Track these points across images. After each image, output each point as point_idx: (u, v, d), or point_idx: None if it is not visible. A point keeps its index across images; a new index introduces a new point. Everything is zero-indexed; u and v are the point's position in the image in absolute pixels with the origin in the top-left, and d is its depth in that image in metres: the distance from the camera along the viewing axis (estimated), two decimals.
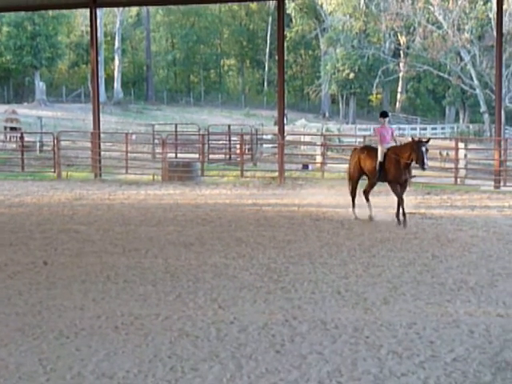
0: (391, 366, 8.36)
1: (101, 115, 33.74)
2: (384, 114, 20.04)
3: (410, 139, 19.27)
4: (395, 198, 18.77)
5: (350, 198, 19.93)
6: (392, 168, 18.66)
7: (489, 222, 18.62)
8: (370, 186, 19.71)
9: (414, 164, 18.68)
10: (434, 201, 23.35)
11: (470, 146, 30.06)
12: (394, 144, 19.20)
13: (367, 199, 19.58)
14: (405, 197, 18.88)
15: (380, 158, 18.89)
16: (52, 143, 33.09)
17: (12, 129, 46.33)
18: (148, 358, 8.63)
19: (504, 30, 33.93)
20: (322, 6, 76.42)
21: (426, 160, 18.19)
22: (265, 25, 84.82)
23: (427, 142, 18.79)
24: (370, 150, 19.71)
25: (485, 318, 10.24)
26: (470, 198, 23.64)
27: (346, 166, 32.19)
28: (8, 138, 43.86)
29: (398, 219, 18.54)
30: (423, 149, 18.07)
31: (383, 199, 22.44)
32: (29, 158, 35.20)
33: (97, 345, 9.14)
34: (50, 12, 66.23)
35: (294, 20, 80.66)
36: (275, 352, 8.84)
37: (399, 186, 18.81)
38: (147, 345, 9.13)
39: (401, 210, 18.60)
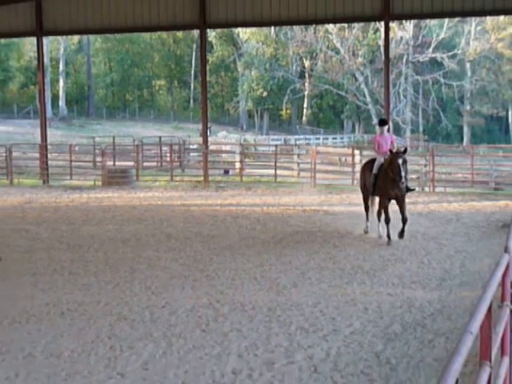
0: (299, 339, 8.44)
1: (48, 129, 33.17)
2: (382, 122, 16.13)
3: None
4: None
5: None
6: (381, 181, 15.04)
7: None
8: (380, 203, 15.39)
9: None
10: (335, 199, 23.58)
11: (364, 153, 30.36)
12: None
13: (379, 219, 15.62)
14: (375, 208, 15.74)
15: (374, 169, 15.34)
16: (5, 154, 32.44)
17: None
18: (90, 339, 8.55)
19: (391, 55, 34.46)
20: (238, 35, 76.52)
21: (402, 173, 14.31)
22: (190, 50, 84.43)
23: (404, 152, 14.83)
24: (371, 163, 15.90)
25: (377, 297, 10.41)
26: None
27: (262, 170, 32.54)
28: None
29: (388, 237, 14.99)
30: (399, 161, 14.30)
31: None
32: None
33: (45, 329, 9.03)
34: (2, 40, 64.97)
35: (215, 46, 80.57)
36: (201, 331, 8.84)
37: (392, 201, 15.09)
38: (90, 328, 9.04)
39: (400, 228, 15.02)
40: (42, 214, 20.78)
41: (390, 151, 14.76)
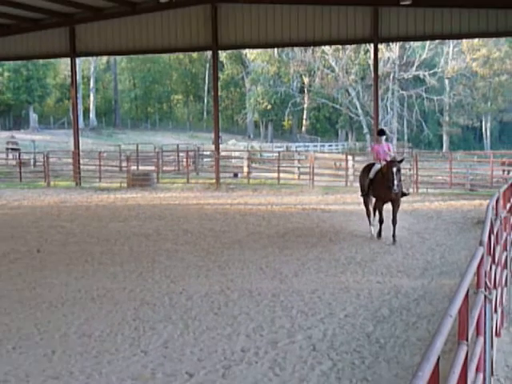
0: (300, 322, 8.43)
1: (80, 138, 33.26)
2: (381, 132, 15.23)
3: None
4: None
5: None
6: (377, 184, 14.36)
7: None
8: (375, 204, 14.80)
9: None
10: (331, 199, 23.58)
11: (356, 158, 30.33)
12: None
13: (374, 214, 15.00)
14: (372, 209, 14.74)
15: (371, 174, 14.61)
16: (43, 160, 32.53)
17: (13, 149, 45.32)
18: (117, 321, 8.56)
19: (379, 73, 34.44)
20: (246, 55, 76.56)
21: (395, 181, 13.55)
22: (203, 69, 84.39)
23: (401, 161, 14.18)
24: (369, 167, 15.11)
25: (368, 285, 10.39)
26: (356, 196, 23.78)
27: (266, 174, 32.53)
28: (11, 156, 42.93)
29: (379, 235, 14.56)
30: (394, 169, 13.59)
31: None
32: (25, 172, 34.50)
33: (78, 312, 9.04)
34: (41, 60, 65.14)
35: (225, 65, 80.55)
36: (214, 314, 8.84)
37: (388, 203, 14.39)
38: (116, 311, 9.05)
39: (391, 229, 14.21)
40: (75, 212, 20.82)
41: (386, 160, 14.05)
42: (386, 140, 15.55)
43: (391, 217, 14.23)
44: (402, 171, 15.83)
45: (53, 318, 8.77)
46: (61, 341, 7.82)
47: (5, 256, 13.29)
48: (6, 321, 8.66)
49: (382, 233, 14.53)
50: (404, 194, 14.68)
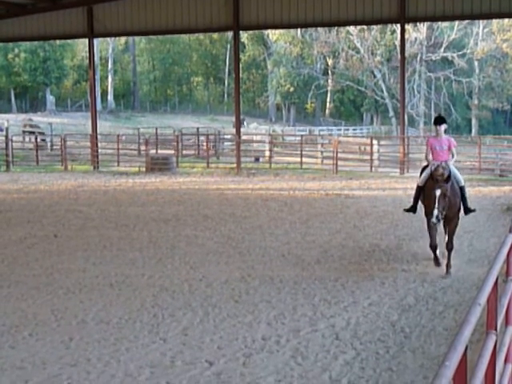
0: (322, 310, 8.43)
1: (97, 121, 33.36)
2: (438, 120, 10.77)
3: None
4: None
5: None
6: (426, 197, 10.41)
7: (396, 200, 18.81)
8: (427, 222, 10.44)
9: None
10: (355, 184, 23.48)
11: (382, 143, 30.17)
12: (450, 161, 10.56)
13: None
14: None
15: (420, 181, 10.82)
16: (60, 143, 32.72)
17: (30, 132, 45.50)
18: (136, 308, 8.61)
19: (406, 54, 34.12)
20: (268, 36, 76.28)
21: (435, 210, 9.71)
22: (224, 50, 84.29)
23: (446, 180, 9.88)
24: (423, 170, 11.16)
25: (393, 273, 10.36)
26: (381, 182, 23.85)
27: (289, 158, 32.44)
28: (28, 139, 43.14)
29: (437, 262, 10.63)
30: (436, 192, 9.75)
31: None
32: (42, 155, 34.72)
33: (96, 298, 9.11)
34: (58, 41, 65.35)
35: (246, 46, 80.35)
36: (234, 302, 8.87)
37: (445, 222, 10.44)
38: (135, 297, 9.11)
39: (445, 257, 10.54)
40: (93, 196, 20.93)
41: (431, 175, 10.10)
42: (446, 132, 10.95)
43: (445, 239, 10.70)
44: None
45: (70, 304, 8.85)
46: (78, 327, 7.89)
47: (21, 241, 13.42)
48: (22, 307, 8.75)
49: (441, 259, 10.71)
50: (469, 211, 11.02)
